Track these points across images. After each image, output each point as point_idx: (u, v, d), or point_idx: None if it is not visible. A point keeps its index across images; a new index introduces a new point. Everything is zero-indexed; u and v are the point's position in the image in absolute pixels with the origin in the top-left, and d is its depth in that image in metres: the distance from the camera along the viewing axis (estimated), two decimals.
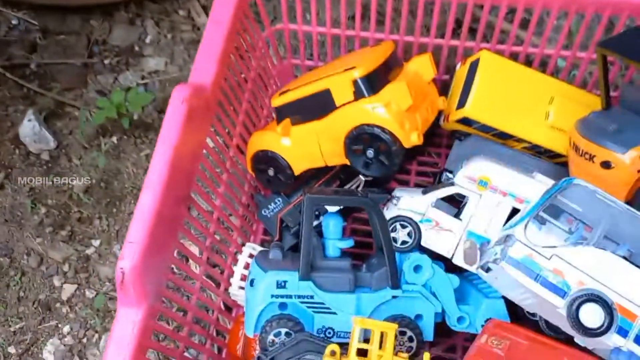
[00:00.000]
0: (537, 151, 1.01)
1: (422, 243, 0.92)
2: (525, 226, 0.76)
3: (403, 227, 0.93)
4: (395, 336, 0.84)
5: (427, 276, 0.88)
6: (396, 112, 0.90)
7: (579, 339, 0.77)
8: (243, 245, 1.02)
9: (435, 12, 1.06)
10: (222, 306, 1.02)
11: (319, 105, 0.95)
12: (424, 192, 0.94)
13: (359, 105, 0.91)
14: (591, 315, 0.72)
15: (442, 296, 0.89)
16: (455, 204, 0.95)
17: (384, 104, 0.90)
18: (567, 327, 0.75)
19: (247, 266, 0.98)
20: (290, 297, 0.86)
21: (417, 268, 0.89)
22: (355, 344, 0.77)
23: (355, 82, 0.91)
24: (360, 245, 1.01)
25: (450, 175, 1.01)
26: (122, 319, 0.75)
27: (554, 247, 0.74)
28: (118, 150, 1.27)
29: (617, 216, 0.75)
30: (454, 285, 0.89)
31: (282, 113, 0.99)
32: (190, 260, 1.04)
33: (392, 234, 0.91)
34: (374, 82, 0.92)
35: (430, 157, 1.19)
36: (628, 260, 0.74)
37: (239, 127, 1.05)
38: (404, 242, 0.92)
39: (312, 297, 0.86)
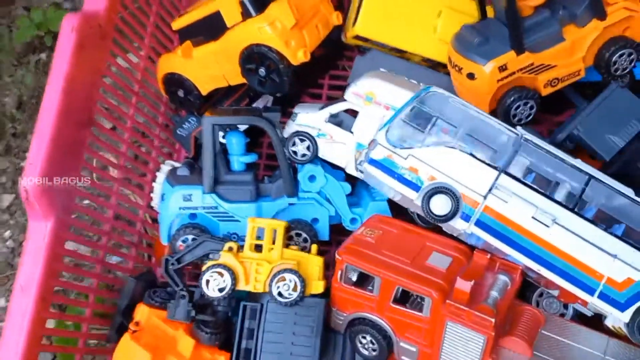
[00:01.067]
0: (432, 64, 1.06)
1: (320, 155, 0.99)
2: (387, 131, 0.83)
3: (302, 141, 0.99)
4: (291, 237, 0.95)
5: (320, 184, 0.97)
6: (281, 31, 0.94)
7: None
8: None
9: None
10: (149, 219, 1.11)
11: (213, 27, 0.99)
12: (320, 109, 1.01)
13: (246, 25, 0.96)
14: (440, 204, 0.81)
15: (335, 201, 0.98)
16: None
17: (268, 23, 0.94)
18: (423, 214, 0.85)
19: None
20: (196, 208, 0.96)
21: (311, 178, 0.97)
22: (249, 240, 0.88)
23: (242, 2, 0.95)
24: None
25: None
26: (33, 231, 0.85)
27: (410, 147, 0.82)
28: (47, 67, 1.30)
29: (470, 119, 0.83)
30: (345, 192, 0.98)
31: (183, 35, 1.04)
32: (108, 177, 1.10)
33: (293, 148, 0.97)
34: (260, 1, 0.95)
35: (343, 70, 1.23)
36: (473, 157, 0.81)
37: (146, 50, 1.08)
38: (304, 155, 0.99)
39: (216, 207, 0.96)
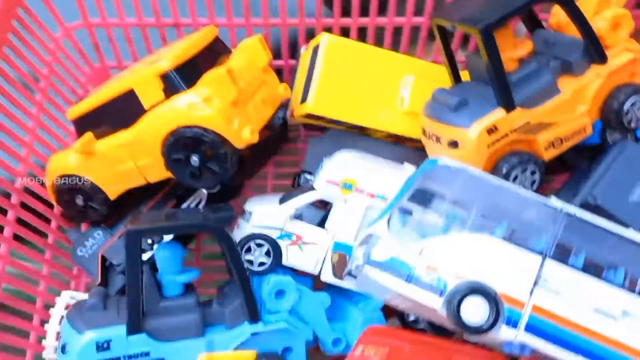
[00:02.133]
0: (400, 139, 0.88)
1: (284, 262, 0.77)
2: (388, 221, 0.62)
3: (259, 246, 0.77)
4: None
5: (292, 301, 0.73)
6: (219, 107, 0.72)
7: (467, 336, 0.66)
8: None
9: None
10: None
11: (124, 112, 0.76)
12: (281, 202, 0.78)
13: (171, 103, 0.73)
14: (474, 311, 0.61)
15: (312, 320, 0.75)
16: (323, 206, 0.81)
17: (202, 99, 0.72)
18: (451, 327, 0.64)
19: None
20: (119, 358, 0.66)
21: (279, 293, 0.74)
22: None
23: (163, 77, 0.73)
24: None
25: (310, 177, 0.87)
26: None
27: (423, 239, 0.61)
28: None
29: (492, 194, 0.64)
30: (325, 305, 0.76)
31: (82, 126, 0.79)
32: None
33: (247, 256, 0.76)
34: (189, 74, 0.74)
35: (290, 155, 1.02)
36: (508, 241, 0.63)
37: (28, 149, 0.81)
38: (261, 264, 0.77)
39: (147, 354, 0.68)
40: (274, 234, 0.76)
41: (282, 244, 0.77)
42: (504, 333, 0.61)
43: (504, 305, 0.61)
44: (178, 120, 0.73)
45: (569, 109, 0.76)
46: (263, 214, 0.77)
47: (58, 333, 0.76)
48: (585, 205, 0.74)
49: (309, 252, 0.77)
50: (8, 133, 0.81)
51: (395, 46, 0.99)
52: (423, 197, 0.64)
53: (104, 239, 0.83)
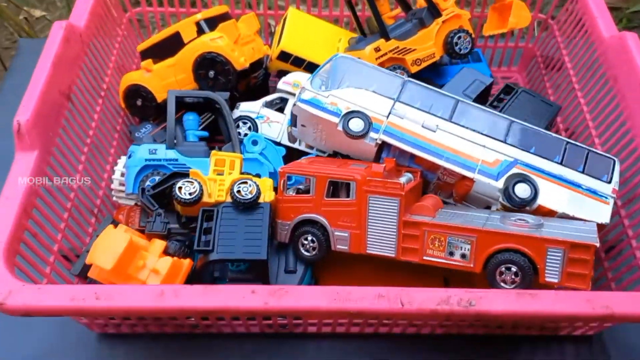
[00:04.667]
0: None
1: (259, 132, 1.27)
2: (311, 82, 1.14)
3: (244, 123, 1.28)
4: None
5: (261, 147, 1.22)
6: (227, 43, 1.28)
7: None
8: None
9: None
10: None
11: (172, 45, 1.30)
12: (257, 99, 1.32)
13: (201, 39, 1.28)
14: (356, 124, 1.10)
15: (273, 160, 1.23)
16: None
17: (218, 37, 1.27)
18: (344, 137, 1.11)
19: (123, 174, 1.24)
20: (160, 160, 1.16)
21: (254, 142, 1.22)
22: (212, 168, 1.09)
23: (197, 24, 1.29)
24: None
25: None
26: (20, 160, 1.01)
27: (328, 90, 1.13)
28: None
29: (369, 72, 1.15)
30: (281, 154, 1.24)
31: (145, 55, 1.33)
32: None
33: (238, 130, 1.26)
34: (211, 23, 1.30)
35: None
36: (375, 92, 1.11)
37: (111, 70, 1.37)
38: (246, 134, 1.27)
39: (176, 160, 1.16)
40: (253, 116, 1.28)
41: (258, 122, 1.28)
42: (372, 135, 1.11)
43: (372, 122, 1.11)
44: (203, 48, 1.26)
45: (423, 42, 1.30)
46: (247, 105, 1.30)
47: (121, 172, 1.25)
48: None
49: (274, 126, 1.28)
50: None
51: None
52: (331, 71, 1.16)
53: (151, 128, 1.33)
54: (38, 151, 1.03)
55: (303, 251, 1.07)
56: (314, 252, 1.06)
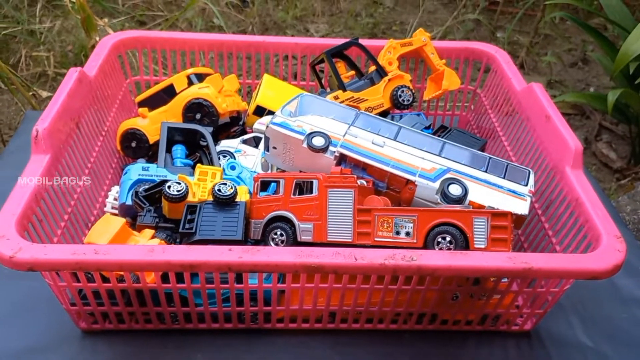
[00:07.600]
0: None
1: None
2: (282, 110, 1.39)
3: (224, 156, 1.51)
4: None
5: (238, 172, 1.44)
6: (213, 91, 1.55)
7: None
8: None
9: None
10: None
11: (165, 95, 1.57)
12: (235, 137, 1.56)
13: (190, 88, 1.56)
14: (318, 141, 1.33)
15: (248, 182, 1.44)
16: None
17: (205, 86, 1.55)
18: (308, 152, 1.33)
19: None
20: (151, 176, 1.36)
21: (232, 167, 1.44)
22: (197, 177, 1.29)
23: (188, 77, 1.57)
24: None
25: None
26: (34, 160, 1.21)
27: (295, 117, 1.38)
28: None
29: (328, 105, 1.42)
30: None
31: (142, 104, 1.59)
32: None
33: (219, 162, 1.49)
34: (200, 77, 1.58)
35: None
36: (335, 120, 1.37)
37: (112, 117, 1.61)
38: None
39: (165, 176, 1.37)
40: (232, 150, 1.52)
41: (236, 155, 1.51)
42: (331, 148, 1.34)
43: (331, 139, 1.35)
44: (192, 95, 1.54)
45: (373, 95, 1.58)
46: (227, 142, 1.54)
47: (114, 197, 1.44)
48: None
49: (249, 158, 1.51)
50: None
51: None
52: (298, 105, 1.42)
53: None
54: (50, 154, 1.23)
55: (273, 245, 1.24)
56: (282, 245, 1.23)
